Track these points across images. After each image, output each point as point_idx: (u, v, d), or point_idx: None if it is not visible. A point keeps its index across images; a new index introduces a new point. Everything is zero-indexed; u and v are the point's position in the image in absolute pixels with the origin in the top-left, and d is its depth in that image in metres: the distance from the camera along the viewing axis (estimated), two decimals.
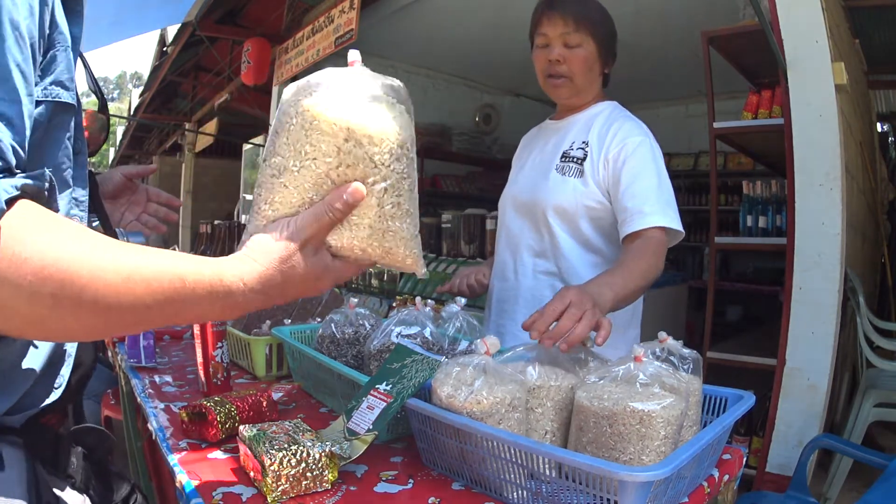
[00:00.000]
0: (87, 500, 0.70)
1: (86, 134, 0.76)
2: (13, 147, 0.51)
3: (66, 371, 0.69)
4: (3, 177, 0.49)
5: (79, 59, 0.65)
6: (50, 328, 0.53)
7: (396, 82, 0.68)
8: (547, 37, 1.40)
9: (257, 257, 0.61)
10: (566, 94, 1.44)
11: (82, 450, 0.73)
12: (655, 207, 1.28)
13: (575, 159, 1.41)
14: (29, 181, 0.51)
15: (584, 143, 1.41)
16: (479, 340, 0.86)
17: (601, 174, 1.36)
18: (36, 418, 0.65)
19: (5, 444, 0.61)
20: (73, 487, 0.69)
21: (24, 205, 0.50)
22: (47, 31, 0.57)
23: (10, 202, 0.48)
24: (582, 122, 1.45)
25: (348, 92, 0.64)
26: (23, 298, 0.48)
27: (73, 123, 0.63)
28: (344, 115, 0.62)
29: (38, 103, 0.57)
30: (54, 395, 0.67)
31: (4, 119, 0.51)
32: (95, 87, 0.94)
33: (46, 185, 0.54)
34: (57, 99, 0.59)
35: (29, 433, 0.64)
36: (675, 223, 1.29)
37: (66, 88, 0.60)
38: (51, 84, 0.59)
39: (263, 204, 0.65)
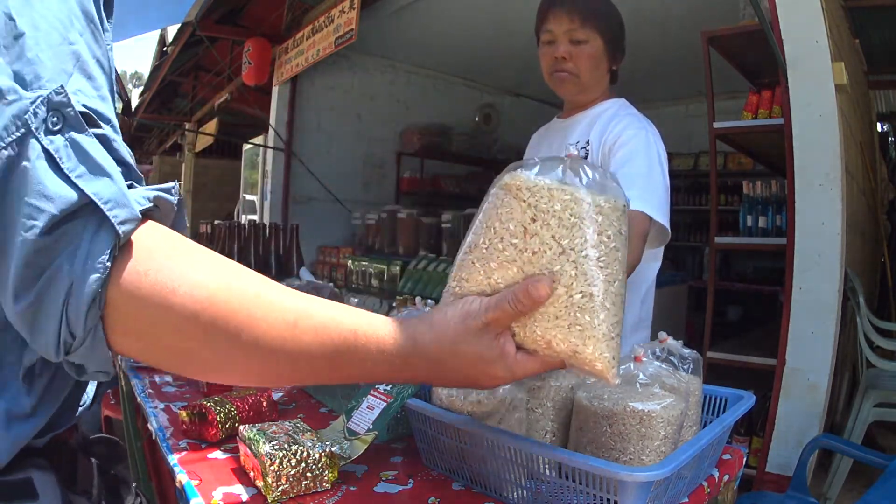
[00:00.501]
0: None
1: None
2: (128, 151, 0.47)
3: (91, 389, 0.66)
4: (131, 185, 0.45)
5: None
6: (201, 365, 0.49)
7: (610, 173, 0.64)
8: (553, 33, 1.37)
9: (435, 324, 0.56)
10: (572, 91, 1.41)
11: (95, 461, 0.69)
12: (636, 192, 1.22)
13: None
14: (162, 194, 0.47)
15: (586, 142, 1.38)
16: None
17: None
18: (55, 435, 0.62)
19: (35, 468, 0.56)
20: (90, 501, 0.66)
21: (155, 228, 0.46)
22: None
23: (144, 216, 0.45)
24: (586, 121, 1.42)
25: (551, 171, 0.61)
26: (168, 329, 0.45)
27: None
28: (536, 188, 0.59)
29: None
30: (79, 412, 0.64)
31: (110, 123, 0.47)
32: (119, 88, 0.89)
33: (177, 198, 0.50)
34: None
35: (50, 452, 0.60)
36: (658, 213, 1.23)
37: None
38: None
39: (452, 280, 0.62)
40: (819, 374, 2.17)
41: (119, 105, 0.94)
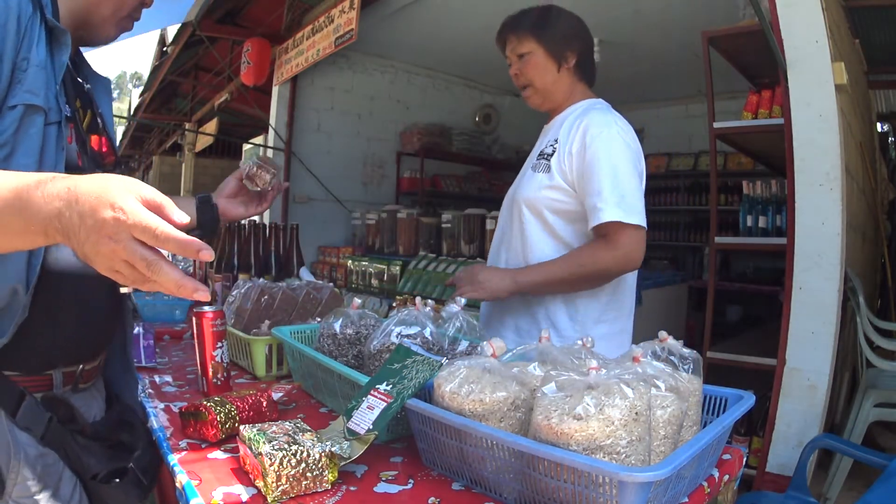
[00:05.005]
0: None
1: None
2: None
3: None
4: None
5: None
6: None
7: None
8: (508, 57, 1.52)
9: None
10: (537, 102, 1.53)
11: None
12: (608, 202, 1.31)
13: (546, 156, 1.47)
14: None
15: (555, 140, 1.46)
16: (485, 343, 0.87)
17: (566, 166, 1.40)
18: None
19: None
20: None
21: None
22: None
23: None
24: (559, 122, 1.51)
25: None
26: None
27: None
28: None
29: None
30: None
31: None
32: None
33: None
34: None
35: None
36: (630, 216, 1.30)
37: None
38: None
39: None
40: (819, 374, 2.17)
41: None
